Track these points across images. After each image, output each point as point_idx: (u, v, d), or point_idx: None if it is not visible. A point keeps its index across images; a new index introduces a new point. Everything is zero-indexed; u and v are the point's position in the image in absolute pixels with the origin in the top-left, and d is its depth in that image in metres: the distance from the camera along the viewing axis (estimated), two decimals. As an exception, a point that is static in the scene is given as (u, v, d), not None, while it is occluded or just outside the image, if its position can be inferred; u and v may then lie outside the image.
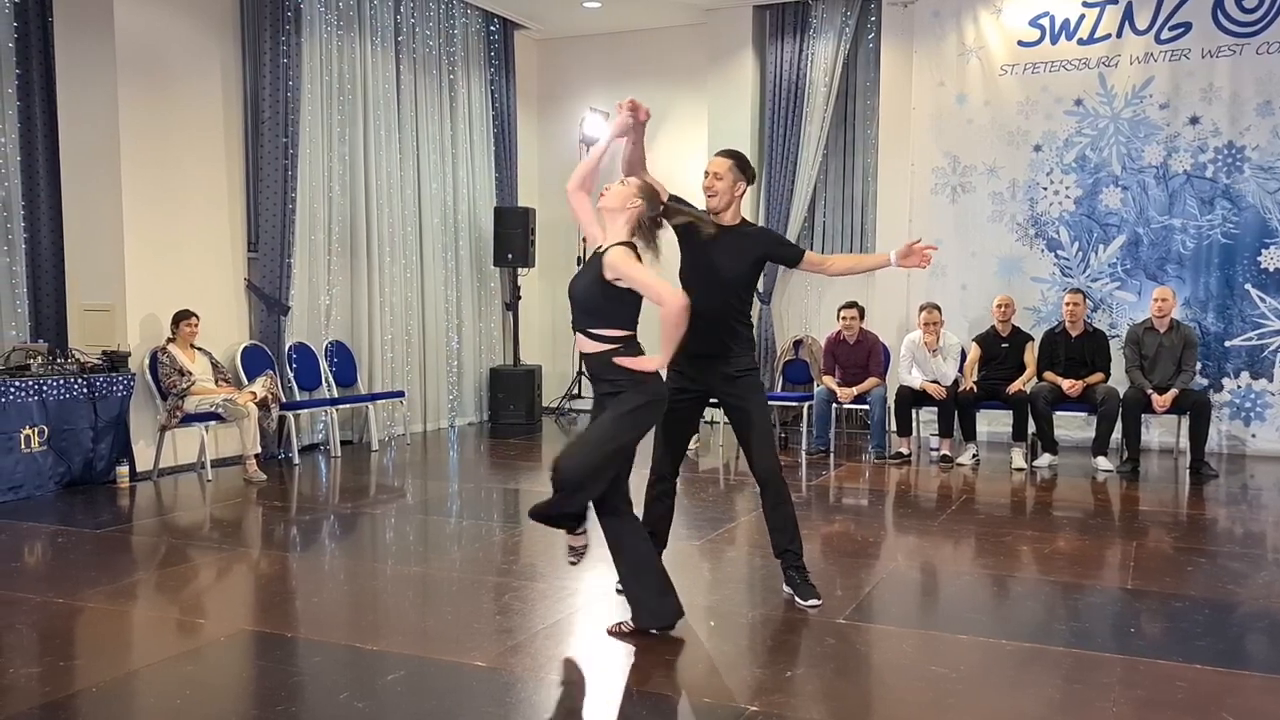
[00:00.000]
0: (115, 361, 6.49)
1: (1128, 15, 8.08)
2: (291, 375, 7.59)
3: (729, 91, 9.44)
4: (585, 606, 3.96)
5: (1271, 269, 7.76)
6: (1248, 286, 7.83)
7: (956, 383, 7.50)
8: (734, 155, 3.93)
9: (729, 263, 3.89)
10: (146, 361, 6.71)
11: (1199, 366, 7.51)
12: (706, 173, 3.91)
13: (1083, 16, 8.21)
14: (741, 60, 9.39)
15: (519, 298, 9.85)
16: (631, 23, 9.85)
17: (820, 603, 3.98)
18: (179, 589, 4.40)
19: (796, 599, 4.02)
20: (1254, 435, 7.85)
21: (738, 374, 3.92)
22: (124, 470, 6.46)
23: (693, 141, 9.77)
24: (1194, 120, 7.93)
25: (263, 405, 6.81)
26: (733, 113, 9.42)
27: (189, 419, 6.61)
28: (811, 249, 9.53)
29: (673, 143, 10.02)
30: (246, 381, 7.08)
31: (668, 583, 3.66)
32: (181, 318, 6.71)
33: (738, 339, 3.93)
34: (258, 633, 3.79)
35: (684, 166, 9.84)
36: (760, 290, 9.31)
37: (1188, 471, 7.00)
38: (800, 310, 9.42)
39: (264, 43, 7.36)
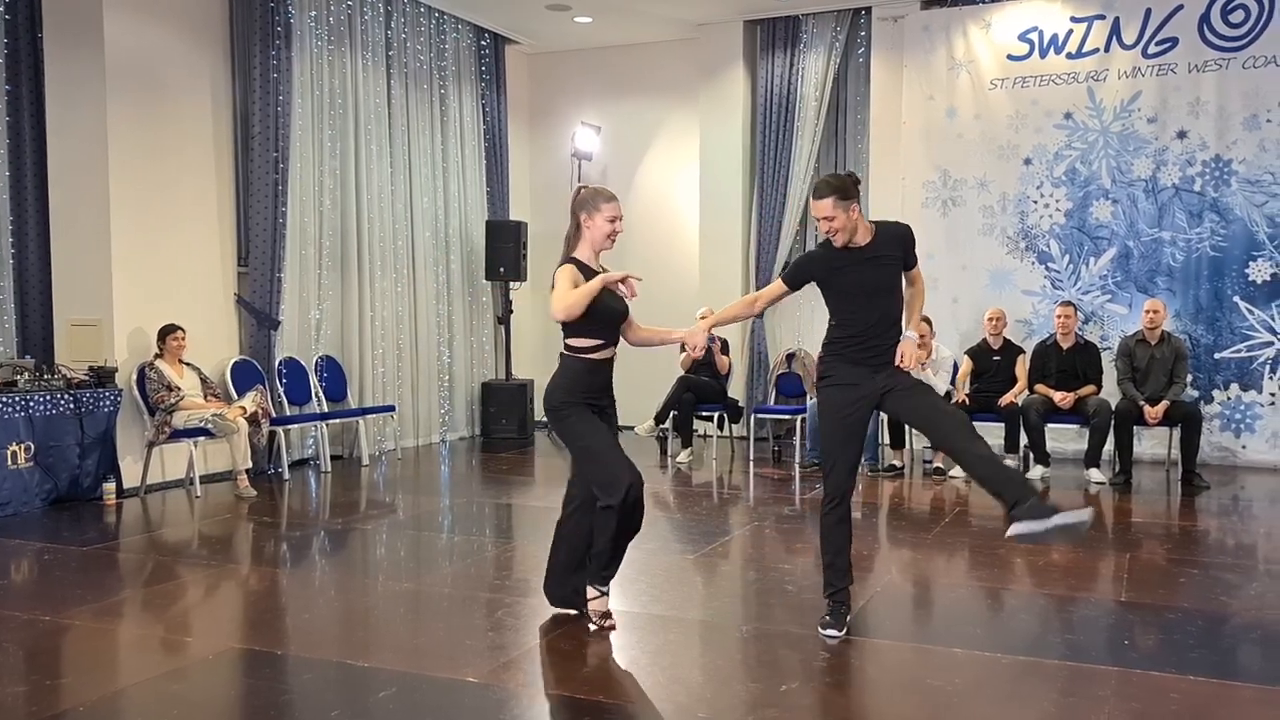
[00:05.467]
0: (102, 377, 6.45)
1: (1115, 30, 8.13)
2: (282, 390, 7.55)
3: (720, 106, 9.47)
4: (578, 622, 3.93)
5: (1259, 281, 7.80)
6: (1236, 299, 7.87)
7: (949, 395, 7.50)
8: (833, 189, 3.65)
9: (881, 274, 3.79)
10: (134, 377, 6.67)
11: (1190, 378, 7.53)
12: (818, 218, 3.71)
13: (1070, 31, 8.27)
14: (732, 74, 9.42)
15: (511, 311, 9.83)
16: (623, 37, 9.88)
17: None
18: (167, 606, 4.36)
19: (1040, 522, 3.48)
20: (1244, 446, 7.87)
21: (896, 368, 3.79)
22: (111, 487, 6.41)
23: (684, 156, 9.80)
24: (1182, 134, 7.98)
25: (252, 420, 6.77)
26: (724, 127, 9.44)
27: (177, 434, 6.57)
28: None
29: (664, 157, 10.06)
30: (236, 396, 7.04)
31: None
32: (168, 332, 6.68)
33: (896, 340, 3.82)
34: (247, 650, 3.75)
35: (675, 181, 9.90)
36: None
37: (1179, 483, 7.02)
38: (793, 323, 9.42)
39: (254, 57, 7.36)
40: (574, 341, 3.85)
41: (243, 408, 6.76)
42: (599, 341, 3.83)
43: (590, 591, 3.92)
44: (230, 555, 5.30)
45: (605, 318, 3.82)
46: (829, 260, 3.81)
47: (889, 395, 3.78)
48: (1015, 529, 3.50)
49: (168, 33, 7.00)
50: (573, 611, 3.99)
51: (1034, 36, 8.37)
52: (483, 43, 9.68)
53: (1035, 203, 8.42)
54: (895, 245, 3.86)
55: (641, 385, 9.08)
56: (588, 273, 3.82)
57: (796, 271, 3.93)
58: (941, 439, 3.87)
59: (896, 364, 3.74)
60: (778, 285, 3.97)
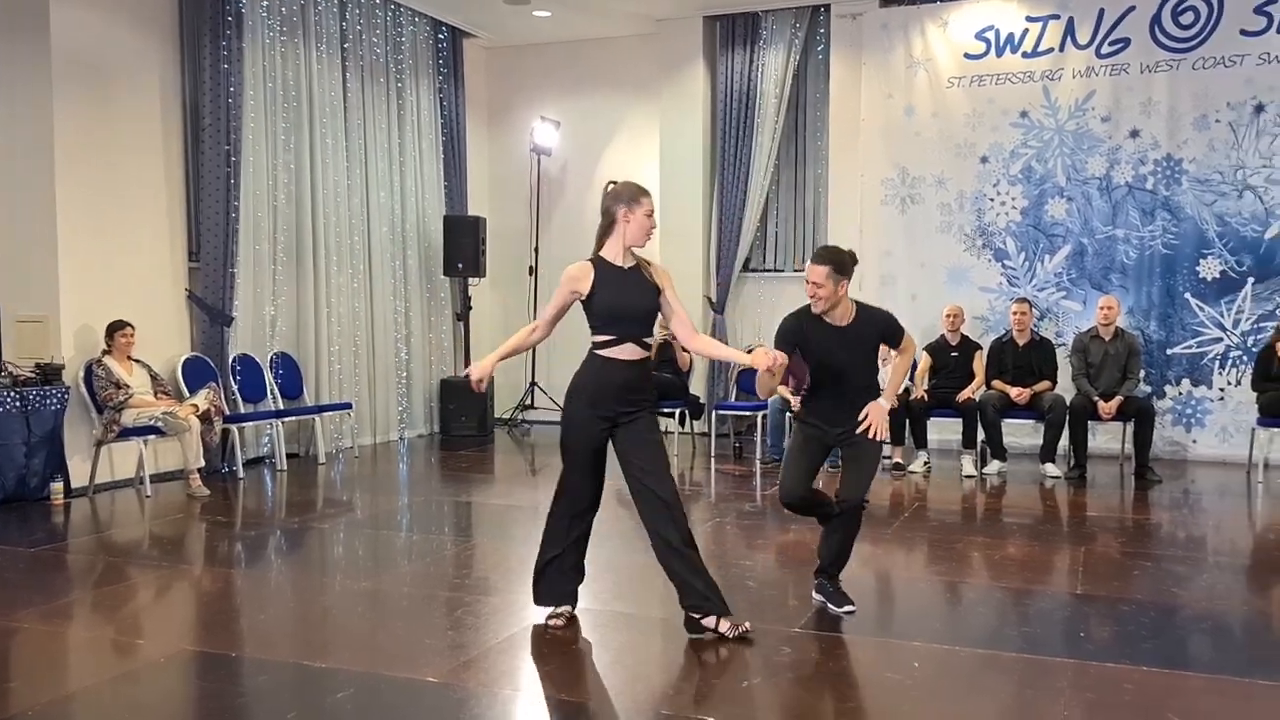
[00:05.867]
0: (49, 374, 6.29)
1: (1069, 30, 8.24)
2: (235, 387, 7.42)
3: (680, 101, 9.46)
4: (538, 621, 3.90)
5: (1209, 279, 7.95)
6: (1187, 295, 8.01)
7: (908, 391, 7.56)
8: (830, 260, 3.90)
9: (851, 355, 4.01)
10: (81, 374, 6.52)
11: (1142, 374, 7.66)
12: (808, 280, 3.93)
13: (1026, 30, 8.36)
14: (693, 70, 9.42)
15: (470, 308, 9.75)
16: (582, 32, 9.83)
17: (855, 609, 3.99)
18: (117, 608, 4.26)
19: (829, 606, 4.04)
20: (1194, 441, 8.02)
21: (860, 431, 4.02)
22: (59, 486, 6.26)
23: (645, 152, 9.76)
24: (1134, 133, 8.11)
25: (205, 418, 6.64)
26: (684, 123, 9.43)
27: (127, 433, 6.43)
28: (764, 260, 9.61)
29: (625, 153, 10.01)
30: (188, 394, 6.91)
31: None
32: (116, 328, 6.53)
33: (867, 401, 4.04)
34: (200, 653, 3.67)
35: (635, 177, 9.77)
36: (714, 300, 9.34)
37: (1132, 477, 7.14)
38: (754, 320, 9.45)
39: (204, 48, 7.21)
40: (593, 335, 3.73)
41: (194, 405, 6.64)
42: (609, 337, 3.67)
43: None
44: (182, 556, 5.20)
45: (610, 313, 3.64)
46: (805, 331, 4.02)
47: (842, 447, 4.10)
48: (816, 598, 4.15)
49: (115, 23, 6.83)
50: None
51: (990, 35, 8.46)
52: (440, 36, 9.59)
53: (992, 200, 8.51)
54: (873, 331, 4.09)
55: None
56: (611, 271, 3.66)
57: (781, 341, 4.06)
58: (841, 487, 4.05)
59: (863, 427, 3.94)
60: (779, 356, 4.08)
